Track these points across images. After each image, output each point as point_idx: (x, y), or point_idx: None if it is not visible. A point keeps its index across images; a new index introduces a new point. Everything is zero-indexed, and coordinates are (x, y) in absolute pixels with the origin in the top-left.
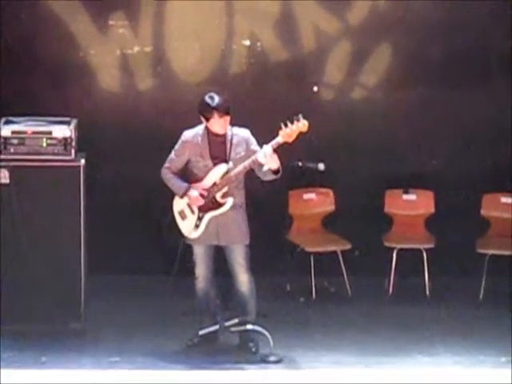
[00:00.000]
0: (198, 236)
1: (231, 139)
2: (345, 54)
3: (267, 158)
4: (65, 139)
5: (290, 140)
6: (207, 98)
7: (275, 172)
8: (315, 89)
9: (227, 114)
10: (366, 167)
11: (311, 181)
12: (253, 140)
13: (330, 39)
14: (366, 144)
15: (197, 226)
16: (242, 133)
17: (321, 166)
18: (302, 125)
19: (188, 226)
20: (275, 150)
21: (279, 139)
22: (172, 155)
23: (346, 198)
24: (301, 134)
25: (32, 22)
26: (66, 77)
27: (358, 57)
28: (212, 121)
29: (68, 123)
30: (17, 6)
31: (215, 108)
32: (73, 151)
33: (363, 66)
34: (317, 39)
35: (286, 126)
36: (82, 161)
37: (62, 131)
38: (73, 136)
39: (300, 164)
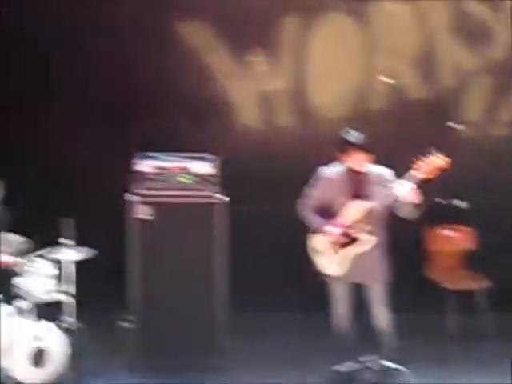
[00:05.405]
0: (337, 273)
1: (370, 176)
2: (485, 91)
3: (407, 193)
4: (207, 176)
5: (431, 176)
6: (346, 135)
7: (415, 208)
8: (455, 126)
9: (366, 150)
10: (506, 204)
11: (451, 218)
12: (392, 178)
13: (469, 75)
14: (507, 181)
15: (335, 263)
16: (382, 170)
17: (461, 204)
18: (438, 160)
19: (326, 263)
20: (416, 186)
21: (418, 175)
22: (310, 191)
23: (486, 235)
24: (441, 170)
25: (171, 58)
26: (205, 113)
27: (498, 93)
28: (350, 157)
29: (210, 160)
30: (156, 41)
31: (354, 145)
32: (215, 188)
33: (504, 103)
34: (456, 75)
35: (421, 160)
36: (224, 197)
37: (205, 168)
38: (215, 173)
39: (440, 201)
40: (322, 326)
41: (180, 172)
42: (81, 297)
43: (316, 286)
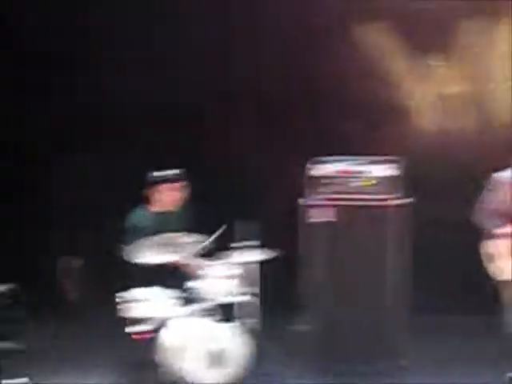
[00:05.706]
0: (510, 277)
1: None
2: None
3: None
4: (390, 178)
5: None
6: None
7: None
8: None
9: None
10: None
11: None
12: None
13: None
14: None
15: (509, 267)
16: None
17: None
18: None
19: (502, 267)
20: None
21: None
22: (486, 195)
23: None
24: None
25: (349, 61)
26: (383, 115)
27: None
28: None
29: (390, 163)
30: (332, 43)
31: None
32: (397, 190)
33: None
34: None
35: None
36: (407, 200)
37: (384, 171)
38: (398, 175)
39: None
40: (498, 330)
41: (358, 175)
42: (260, 298)
43: (492, 289)
